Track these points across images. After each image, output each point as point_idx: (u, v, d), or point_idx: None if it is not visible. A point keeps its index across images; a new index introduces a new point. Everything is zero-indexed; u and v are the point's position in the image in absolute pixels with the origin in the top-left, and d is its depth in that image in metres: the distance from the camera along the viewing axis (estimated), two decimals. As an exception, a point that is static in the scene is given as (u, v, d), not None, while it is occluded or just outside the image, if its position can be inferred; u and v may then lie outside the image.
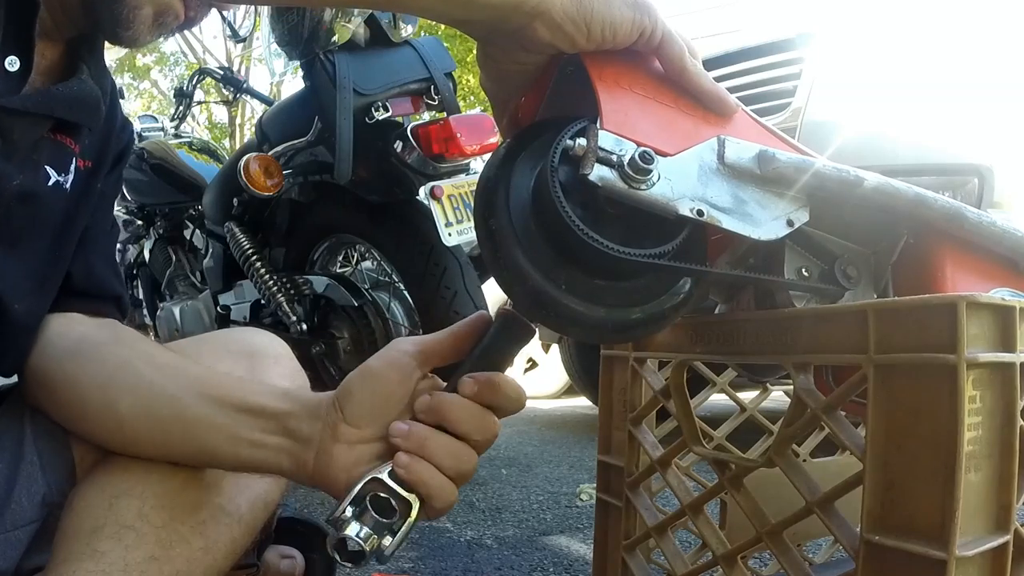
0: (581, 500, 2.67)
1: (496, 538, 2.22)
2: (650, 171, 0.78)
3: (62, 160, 1.07)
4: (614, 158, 0.78)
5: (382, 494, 0.83)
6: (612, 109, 0.80)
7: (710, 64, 3.06)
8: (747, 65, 3.08)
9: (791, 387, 0.90)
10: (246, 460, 0.93)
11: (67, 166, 1.08)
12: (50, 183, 1.05)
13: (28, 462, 1.04)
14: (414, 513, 0.83)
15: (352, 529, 0.82)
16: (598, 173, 0.77)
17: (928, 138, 2.69)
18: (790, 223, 0.85)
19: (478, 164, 2.95)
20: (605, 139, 0.78)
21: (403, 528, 0.83)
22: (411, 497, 0.83)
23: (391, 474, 0.83)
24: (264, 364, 1.13)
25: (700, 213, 0.81)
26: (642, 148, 0.79)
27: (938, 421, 0.70)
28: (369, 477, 0.83)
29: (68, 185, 1.08)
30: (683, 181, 0.81)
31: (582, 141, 0.78)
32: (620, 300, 0.86)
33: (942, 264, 0.89)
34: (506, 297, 0.86)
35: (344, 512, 0.82)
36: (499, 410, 0.88)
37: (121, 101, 3.82)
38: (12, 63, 0.96)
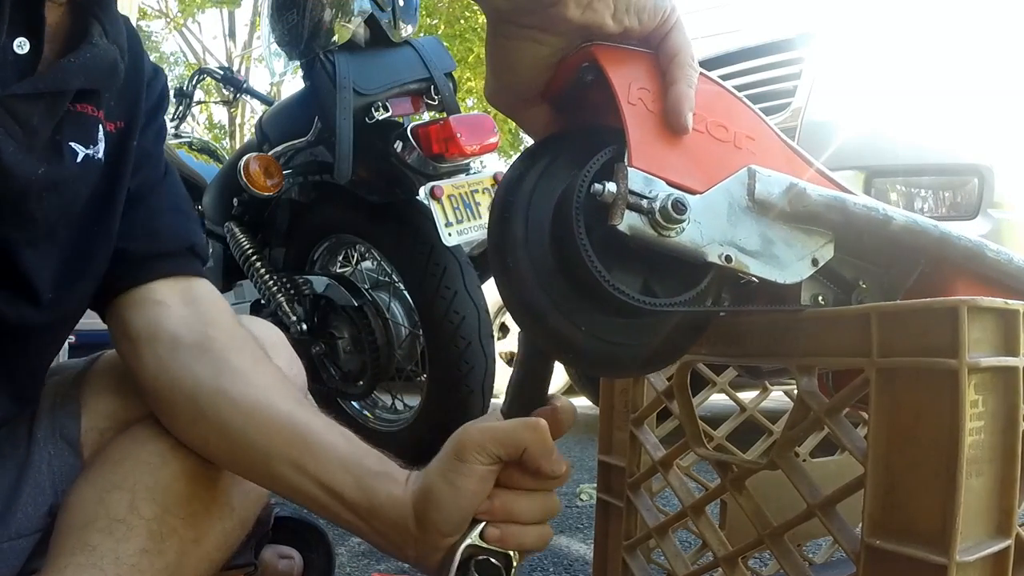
0: (581, 500, 2.67)
1: (496, 538, 2.22)
2: (682, 220, 0.76)
3: (87, 131, 1.02)
4: (644, 204, 0.74)
5: (481, 557, 0.86)
6: (641, 140, 0.77)
7: (710, 64, 3.06)
8: (747, 65, 3.09)
9: (791, 387, 0.90)
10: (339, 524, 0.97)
11: (94, 136, 1.03)
12: (79, 159, 1.00)
13: (36, 470, 1.04)
14: (515, 563, 0.87)
15: None
16: (628, 222, 0.75)
17: (928, 138, 2.69)
18: (815, 262, 0.84)
19: (478, 164, 2.95)
20: (635, 179, 0.75)
21: None
22: (511, 552, 0.87)
23: (482, 535, 0.86)
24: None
25: (728, 259, 0.79)
26: (674, 194, 0.76)
27: (940, 425, 0.70)
28: (465, 545, 0.86)
29: (101, 155, 1.04)
30: (712, 223, 0.78)
31: (611, 187, 0.75)
32: (640, 337, 0.85)
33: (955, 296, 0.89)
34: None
35: None
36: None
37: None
38: (21, 45, 0.92)
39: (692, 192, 0.78)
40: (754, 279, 0.82)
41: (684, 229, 0.77)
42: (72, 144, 1.00)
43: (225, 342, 1.05)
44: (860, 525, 0.77)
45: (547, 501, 0.90)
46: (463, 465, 0.88)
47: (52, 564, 0.93)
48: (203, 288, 1.12)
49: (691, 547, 1.84)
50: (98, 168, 1.04)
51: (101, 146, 1.04)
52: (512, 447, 0.87)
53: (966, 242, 0.86)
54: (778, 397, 1.60)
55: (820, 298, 0.90)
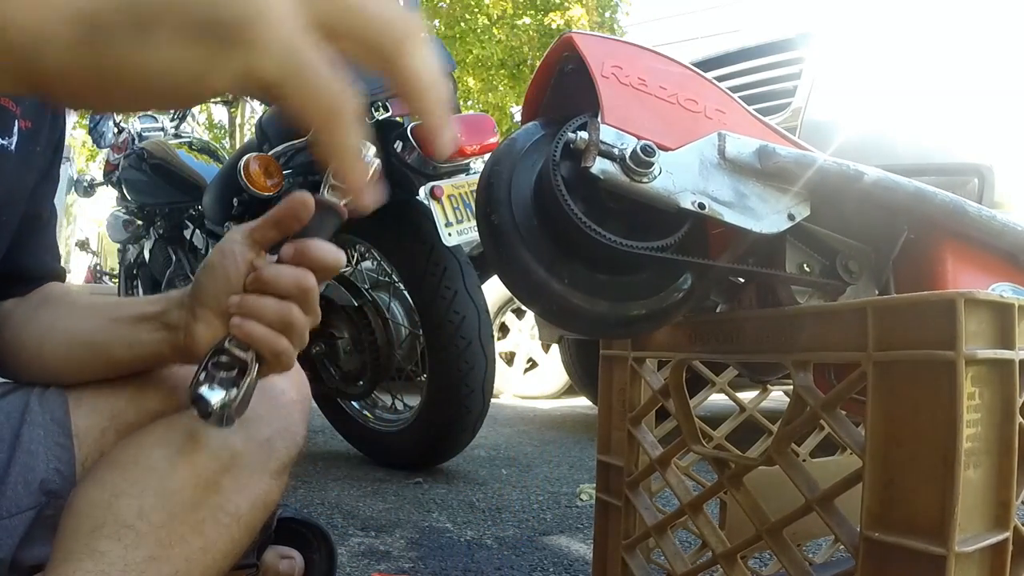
0: (581, 500, 2.67)
1: (496, 538, 2.22)
2: (652, 164, 0.79)
3: (4, 122, 1.06)
4: (616, 151, 0.78)
5: (224, 358, 0.94)
6: (613, 104, 0.81)
7: (710, 64, 3.07)
8: (747, 65, 3.09)
9: (791, 387, 0.90)
10: (140, 356, 1.08)
11: (10, 128, 1.07)
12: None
13: (25, 450, 1.04)
14: (252, 368, 0.94)
15: (204, 389, 0.91)
16: (600, 166, 0.78)
17: (928, 138, 2.69)
18: (791, 217, 0.85)
19: (478, 164, 2.94)
20: (606, 133, 0.79)
21: (245, 382, 0.93)
22: (247, 355, 0.94)
23: (230, 341, 0.95)
24: None
25: (701, 206, 0.81)
26: (643, 141, 0.79)
27: (937, 418, 0.70)
28: (214, 348, 0.96)
29: (13, 147, 1.07)
30: (684, 175, 0.81)
31: (584, 135, 0.79)
32: (622, 295, 0.86)
33: (943, 259, 0.89)
34: (508, 295, 0.87)
35: (198, 378, 0.93)
36: (319, 271, 0.96)
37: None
38: None
39: (664, 148, 0.81)
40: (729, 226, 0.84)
41: (656, 176, 0.80)
42: None
43: (62, 292, 1.24)
44: (859, 519, 0.77)
45: (285, 306, 0.95)
46: (222, 244, 0.99)
47: (59, 568, 0.92)
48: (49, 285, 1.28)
49: (691, 547, 1.84)
50: (10, 159, 1.08)
51: (15, 140, 1.08)
52: (268, 220, 0.97)
53: (944, 197, 0.87)
54: (778, 397, 1.60)
55: (805, 266, 0.91)
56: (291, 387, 1.13)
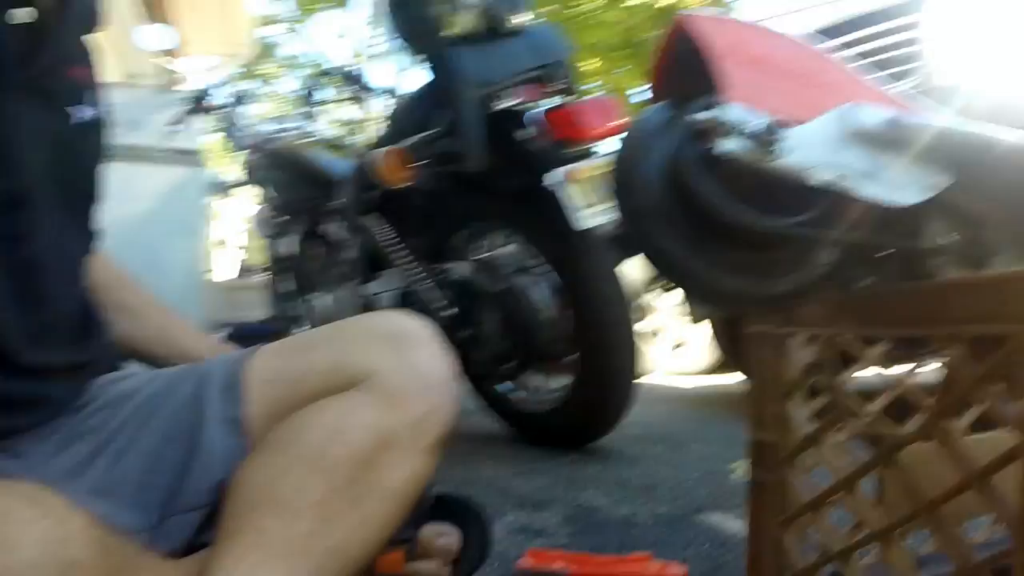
0: (735, 476, 2.65)
1: (650, 514, 2.23)
2: (781, 140, 0.79)
3: (83, 92, 1.16)
4: (744, 130, 0.79)
5: None
6: (736, 83, 0.81)
7: (828, 33, 2.97)
8: (868, 32, 2.98)
9: (945, 360, 0.89)
10: None
11: (93, 96, 1.18)
12: (88, 117, 1.16)
13: (205, 451, 1.10)
14: None
15: None
16: (730, 145, 0.78)
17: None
18: (929, 188, 0.84)
19: (605, 146, 2.94)
20: (733, 112, 0.79)
21: None
22: None
23: None
24: (409, 346, 1.16)
25: (835, 180, 0.80)
26: (771, 118, 0.79)
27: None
28: None
29: (100, 115, 1.20)
30: (815, 149, 0.81)
31: (710, 115, 0.79)
32: (763, 272, 0.87)
33: None
34: (653, 273, 0.88)
35: None
36: None
37: (250, 105, 3.89)
38: (12, 16, 1.00)
39: (791, 124, 0.80)
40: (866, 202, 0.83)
41: (787, 152, 0.80)
42: (77, 106, 1.14)
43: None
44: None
45: None
46: None
47: (224, 544, 0.99)
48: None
49: (846, 524, 1.81)
50: (98, 131, 1.22)
51: (99, 107, 1.20)
52: None
53: None
54: (932, 371, 1.56)
55: (948, 236, 0.89)
56: (440, 367, 1.15)
